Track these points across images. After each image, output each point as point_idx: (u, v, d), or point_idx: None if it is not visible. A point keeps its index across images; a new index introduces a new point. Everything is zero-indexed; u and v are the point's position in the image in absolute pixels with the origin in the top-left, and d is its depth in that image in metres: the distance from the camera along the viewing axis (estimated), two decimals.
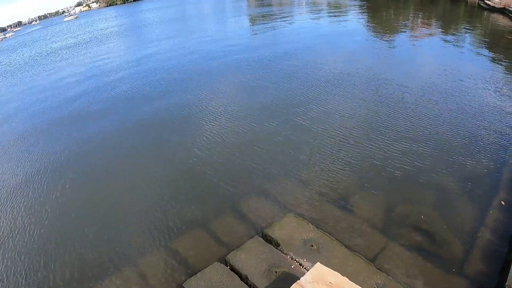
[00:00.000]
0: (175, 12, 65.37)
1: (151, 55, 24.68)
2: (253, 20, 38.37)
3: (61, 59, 31.32)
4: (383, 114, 10.79)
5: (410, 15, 29.33)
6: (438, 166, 8.08)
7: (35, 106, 17.24)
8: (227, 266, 5.75)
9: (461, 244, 6.11)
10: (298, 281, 4.52)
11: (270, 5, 50.91)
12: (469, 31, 22.40)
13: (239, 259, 5.73)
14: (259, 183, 8.08)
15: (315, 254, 5.70)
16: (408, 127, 9.91)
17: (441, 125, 9.85)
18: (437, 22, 25.51)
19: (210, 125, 11.34)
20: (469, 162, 8.13)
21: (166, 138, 10.94)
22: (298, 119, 10.99)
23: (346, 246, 5.90)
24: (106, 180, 9.32)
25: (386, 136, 9.48)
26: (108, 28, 53.72)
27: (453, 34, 21.57)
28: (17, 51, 47.77)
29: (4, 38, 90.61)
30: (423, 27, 24.16)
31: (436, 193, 7.32)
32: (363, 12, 33.28)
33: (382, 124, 10.21)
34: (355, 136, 9.70)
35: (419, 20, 26.86)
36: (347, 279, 4.52)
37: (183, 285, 5.52)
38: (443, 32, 22.07)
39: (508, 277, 5.02)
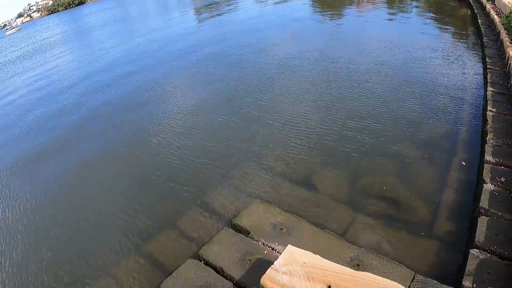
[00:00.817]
0: (119, 13, 63.69)
1: (96, 62, 23.66)
2: (198, 13, 37.84)
3: (9, 75, 29.99)
4: (334, 94, 10.98)
5: None
6: (395, 137, 8.33)
7: None
8: (201, 261, 5.70)
9: (427, 208, 6.32)
10: (272, 266, 4.55)
11: None
12: (413, 1, 22.92)
13: (212, 252, 5.71)
14: (219, 176, 8.03)
15: (285, 236, 5.76)
16: (360, 103, 10.12)
17: (393, 97, 10.13)
18: None
19: (161, 128, 11.02)
20: (424, 130, 8.43)
21: (117, 148, 10.58)
22: (247, 109, 10.97)
23: (315, 225, 5.99)
24: (62, 197, 8.86)
25: (339, 116, 9.65)
26: (51, 36, 51.69)
27: (398, 6, 22.03)
28: None
29: None
30: (369, 2, 24.53)
31: (396, 163, 7.53)
32: None
33: (334, 104, 10.40)
34: (309, 119, 9.81)
35: None
36: (320, 256, 4.58)
37: (160, 286, 5.44)
38: (388, 5, 22.50)
39: (477, 233, 5.23)
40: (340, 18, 21.61)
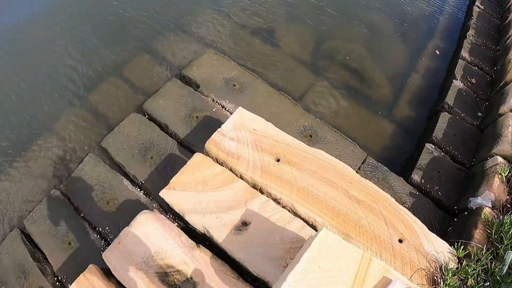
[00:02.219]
0: None
1: None
2: None
3: None
4: None
5: None
6: (370, 4, 7.48)
7: None
8: (145, 115, 5.26)
9: (390, 87, 6.01)
10: (218, 129, 4.17)
11: None
12: None
13: (157, 106, 5.22)
14: (172, 21, 6.99)
15: (237, 94, 5.31)
16: None
17: None
18: None
19: None
20: (403, 5, 7.59)
21: None
22: None
23: (271, 85, 5.52)
24: None
25: None
26: None
27: None
28: None
29: None
30: None
31: (367, 32, 6.91)
32: None
33: None
34: None
35: None
36: (272, 124, 4.22)
37: (101, 144, 5.05)
38: None
39: (436, 128, 5.01)
40: None
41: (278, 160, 3.87)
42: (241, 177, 3.86)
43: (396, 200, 3.77)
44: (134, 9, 7.32)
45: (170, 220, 4.00)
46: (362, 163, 4.68)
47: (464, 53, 6.26)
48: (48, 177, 5.17)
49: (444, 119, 5.16)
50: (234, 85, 5.40)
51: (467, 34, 6.70)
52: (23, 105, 6.02)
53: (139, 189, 4.67)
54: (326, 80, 5.97)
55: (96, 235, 4.38)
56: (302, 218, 3.60)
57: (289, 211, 3.65)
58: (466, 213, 4.05)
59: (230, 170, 3.93)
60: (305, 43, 6.51)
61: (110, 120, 5.56)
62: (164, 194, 3.80)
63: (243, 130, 4.12)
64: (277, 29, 6.75)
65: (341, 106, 5.63)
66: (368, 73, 6.16)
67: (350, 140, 4.91)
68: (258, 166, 3.85)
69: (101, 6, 7.50)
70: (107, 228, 4.42)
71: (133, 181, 4.76)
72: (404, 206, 3.85)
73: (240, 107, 4.38)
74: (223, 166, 3.97)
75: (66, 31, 7.14)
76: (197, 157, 4.05)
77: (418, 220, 3.63)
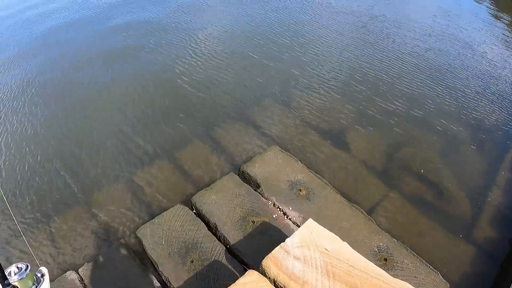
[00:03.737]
0: None
1: None
2: None
3: None
4: (382, 48, 9.13)
5: None
6: (448, 110, 6.94)
7: None
8: (192, 209, 4.57)
9: (469, 205, 5.17)
10: (282, 244, 3.35)
11: None
12: None
13: (208, 201, 4.53)
14: (237, 111, 6.64)
15: (303, 201, 4.54)
16: (415, 63, 8.47)
17: (453, 67, 8.45)
18: None
19: (187, 47, 9.01)
20: (482, 112, 7.02)
21: (132, 72, 8.21)
22: (286, 40, 9.14)
23: (341, 193, 4.76)
24: (64, 108, 7.09)
25: (389, 71, 8.06)
26: None
27: None
28: None
29: None
30: None
31: (444, 141, 6.26)
32: None
33: (384, 57, 8.71)
34: (354, 67, 8.15)
35: None
36: (348, 245, 3.38)
37: (136, 232, 4.35)
38: None
39: None
40: None
41: None
42: None
43: None
44: (200, 95, 7.10)
45: None
46: None
47: None
48: (70, 255, 4.52)
49: None
50: (300, 190, 4.65)
51: None
52: (63, 172, 5.60)
53: None
54: (400, 192, 5.21)
55: None
56: None
57: None
58: None
59: None
60: (376, 149, 5.91)
61: (152, 207, 4.93)
62: None
63: (313, 249, 3.29)
64: (347, 132, 6.21)
65: (416, 224, 4.81)
66: (445, 187, 5.40)
67: (431, 267, 3.99)
68: None
69: (168, 84, 7.44)
70: None
71: (165, 285, 3.94)
72: None
73: (310, 219, 3.60)
74: None
75: (125, 104, 6.99)
76: (251, 276, 3.20)
77: None
